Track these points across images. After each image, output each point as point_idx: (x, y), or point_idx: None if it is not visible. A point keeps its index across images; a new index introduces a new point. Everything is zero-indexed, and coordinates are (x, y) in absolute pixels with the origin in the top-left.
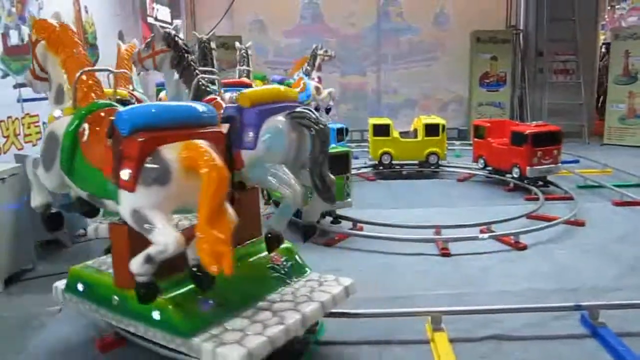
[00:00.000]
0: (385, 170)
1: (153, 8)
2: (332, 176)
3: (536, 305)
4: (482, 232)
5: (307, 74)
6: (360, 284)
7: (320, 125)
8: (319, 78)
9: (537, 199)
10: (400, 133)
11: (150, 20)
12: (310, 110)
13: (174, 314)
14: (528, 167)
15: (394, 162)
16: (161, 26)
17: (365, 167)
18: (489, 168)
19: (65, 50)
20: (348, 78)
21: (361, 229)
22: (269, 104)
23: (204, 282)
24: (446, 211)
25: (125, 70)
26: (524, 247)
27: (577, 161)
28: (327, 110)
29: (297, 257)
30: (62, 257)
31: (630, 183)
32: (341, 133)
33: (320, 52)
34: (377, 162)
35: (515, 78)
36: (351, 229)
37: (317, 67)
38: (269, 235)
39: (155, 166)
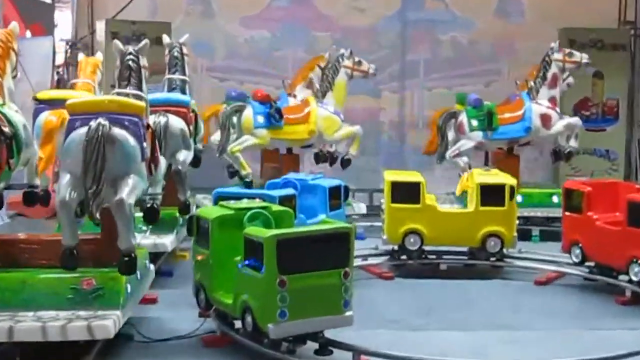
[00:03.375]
0: (412, 262)
1: None
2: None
3: None
4: None
5: (321, 94)
6: None
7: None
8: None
9: None
10: (440, 198)
11: None
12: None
13: None
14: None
15: (425, 247)
16: None
17: (377, 255)
18: (590, 263)
19: None
20: (351, 100)
21: None
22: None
23: None
24: (512, 338)
25: None
26: None
27: None
28: (345, 162)
29: (116, 290)
30: None
31: None
32: (336, 195)
33: (347, 61)
34: (397, 248)
35: (634, 109)
36: None
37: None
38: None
39: None
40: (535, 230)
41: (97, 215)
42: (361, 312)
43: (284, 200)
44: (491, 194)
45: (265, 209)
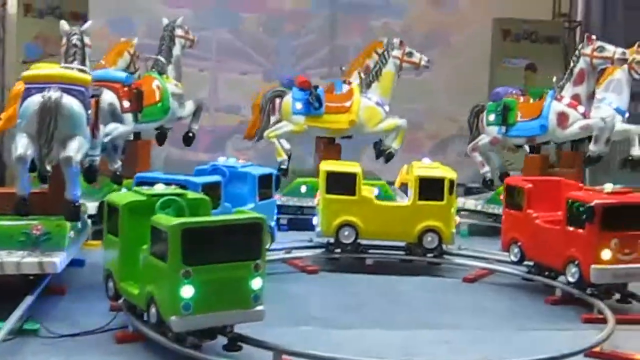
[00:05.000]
0: (345, 256)
1: None
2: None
3: None
4: None
5: (366, 85)
6: None
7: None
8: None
9: (604, 321)
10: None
11: None
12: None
13: None
14: (593, 266)
15: (361, 241)
16: None
17: (308, 248)
18: (530, 262)
19: None
20: (276, 85)
21: None
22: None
23: None
24: (441, 337)
25: None
26: None
27: None
28: (387, 156)
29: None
30: None
31: None
32: (267, 184)
33: (396, 52)
34: (331, 241)
35: None
36: None
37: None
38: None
39: None
40: (464, 225)
41: (49, 168)
42: (284, 308)
43: (208, 188)
44: (430, 188)
45: (179, 196)
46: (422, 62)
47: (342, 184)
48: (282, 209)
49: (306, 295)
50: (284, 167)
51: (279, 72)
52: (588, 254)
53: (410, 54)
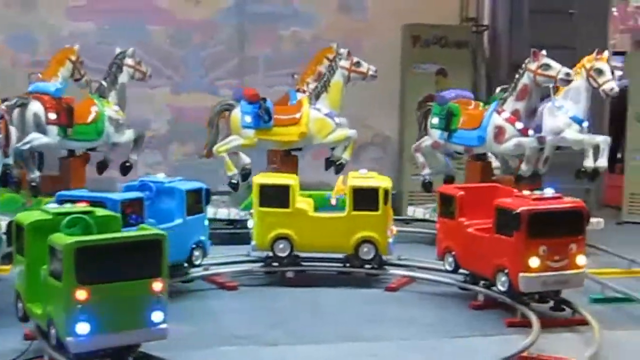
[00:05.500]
0: (282, 270)
1: None
2: None
3: None
4: None
5: (315, 96)
6: None
7: None
8: None
9: (527, 325)
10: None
11: None
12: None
13: None
14: (522, 275)
15: (297, 253)
16: None
17: (248, 262)
18: (466, 272)
19: None
20: (185, 98)
21: None
22: None
23: None
24: (368, 350)
25: None
26: None
27: None
28: (338, 167)
29: None
30: None
31: None
32: (196, 199)
33: (344, 62)
34: (268, 255)
35: None
36: None
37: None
38: None
39: None
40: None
41: None
42: (205, 328)
43: (127, 205)
44: (364, 198)
45: (87, 214)
46: (370, 72)
47: (275, 196)
48: (240, 223)
49: (229, 312)
50: (234, 181)
51: (187, 85)
52: (516, 262)
53: (358, 64)
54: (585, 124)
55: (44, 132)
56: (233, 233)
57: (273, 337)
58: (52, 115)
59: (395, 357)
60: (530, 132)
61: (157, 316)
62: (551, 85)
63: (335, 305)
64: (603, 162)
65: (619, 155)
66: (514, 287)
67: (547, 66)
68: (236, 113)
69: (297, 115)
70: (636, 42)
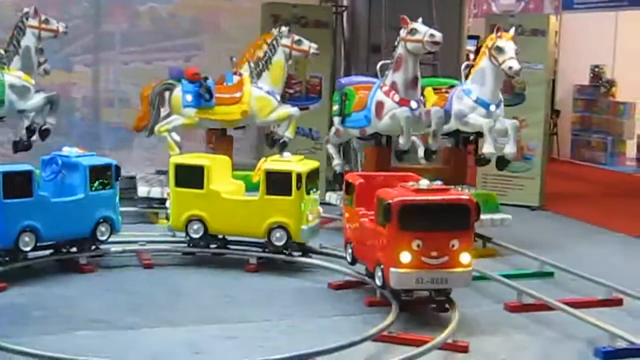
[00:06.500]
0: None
1: None
2: None
3: None
4: None
5: (257, 74)
6: None
7: None
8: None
9: (385, 304)
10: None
11: None
12: None
13: None
14: (392, 270)
15: (211, 234)
16: None
17: (158, 242)
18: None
19: None
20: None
21: None
22: None
23: None
24: (228, 332)
25: None
26: None
27: None
28: (281, 145)
29: None
30: None
31: (526, 271)
32: (103, 174)
33: (285, 40)
34: (187, 237)
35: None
36: None
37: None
38: None
39: None
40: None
41: None
42: (59, 312)
43: (10, 177)
44: (278, 182)
45: None
46: (312, 50)
47: (190, 177)
48: None
49: (83, 296)
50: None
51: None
52: (388, 256)
53: (299, 42)
54: (493, 108)
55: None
56: None
57: (130, 320)
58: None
59: (254, 339)
60: (413, 104)
61: None
62: (463, 69)
63: (192, 288)
64: (510, 148)
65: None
66: (386, 283)
67: (414, 31)
68: (177, 93)
69: (238, 94)
70: (491, 26)
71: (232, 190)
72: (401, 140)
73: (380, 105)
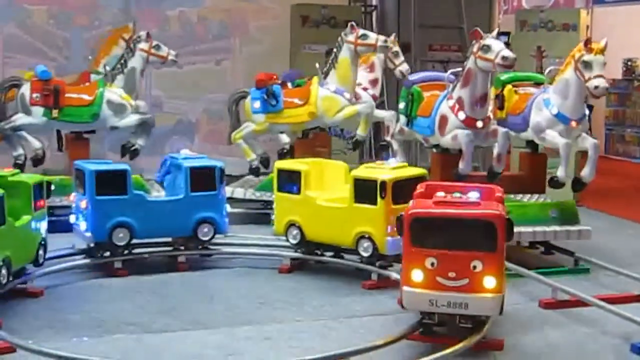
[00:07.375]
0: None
1: None
2: None
3: None
4: None
5: (324, 74)
6: None
7: None
8: None
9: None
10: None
11: None
12: None
13: None
14: (404, 288)
15: (310, 241)
16: None
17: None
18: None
19: None
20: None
21: None
22: None
23: None
24: (261, 334)
25: None
26: None
27: None
28: (355, 144)
29: None
30: None
31: (561, 268)
32: (208, 176)
33: (350, 37)
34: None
35: None
36: None
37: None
38: None
39: None
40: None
41: None
42: (94, 316)
43: (107, 175)
44: (364, 190)
45: None
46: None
47: (290, 181)
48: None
49: (116, 300)
50: (254, 166)
51: (71, 67)
52: (402, 273)
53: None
54: (574, 124)
55: (26, 111)
56: (258, 213)
57: (163, 323)
58: (35, 96)
59: (288, 340)
60: (479, 123)
61: None
62: (547, 73)
63: (222, 288)
64: (589, 170)
65: None
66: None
67: (487, 48)
68: (247, 100)
69: (305, 97)
70: (521, 22)
71: (334, 197)
72: (461, 165)
73: (443, 120)
